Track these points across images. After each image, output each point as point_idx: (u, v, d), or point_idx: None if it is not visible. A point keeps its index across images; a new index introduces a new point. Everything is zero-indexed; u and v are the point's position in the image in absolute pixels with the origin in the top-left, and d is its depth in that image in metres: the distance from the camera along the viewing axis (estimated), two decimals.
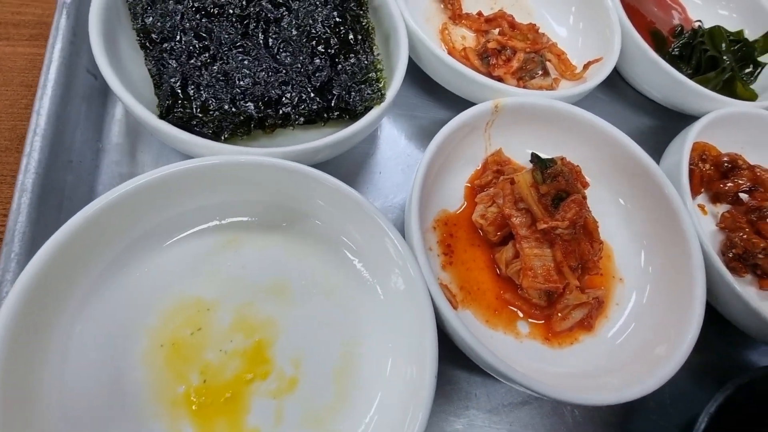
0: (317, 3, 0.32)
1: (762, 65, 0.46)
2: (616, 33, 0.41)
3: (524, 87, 0.40)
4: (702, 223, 0.40)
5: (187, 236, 0.28)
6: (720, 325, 0.35)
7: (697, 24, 0.48)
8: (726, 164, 0.40)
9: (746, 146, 0.43)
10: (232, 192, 0.28)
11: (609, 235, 0.37)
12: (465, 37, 0.43)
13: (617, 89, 0.46)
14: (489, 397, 0.31)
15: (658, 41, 0.48)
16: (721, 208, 0.41)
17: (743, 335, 0.35)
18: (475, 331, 0.30)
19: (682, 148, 0.37)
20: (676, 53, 0.47)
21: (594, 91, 0.45)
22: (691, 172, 0.39)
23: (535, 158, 0.32)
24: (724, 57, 0.43)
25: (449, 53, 0.41)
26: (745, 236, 0.38)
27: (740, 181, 0.39)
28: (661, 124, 0.46)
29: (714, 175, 0.41)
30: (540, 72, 0.40)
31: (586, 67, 0.41)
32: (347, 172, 0.36)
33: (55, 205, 0.27)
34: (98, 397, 0.24)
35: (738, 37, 0.47)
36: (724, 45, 0.45)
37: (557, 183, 0.31)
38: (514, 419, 0.31)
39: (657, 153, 0.40)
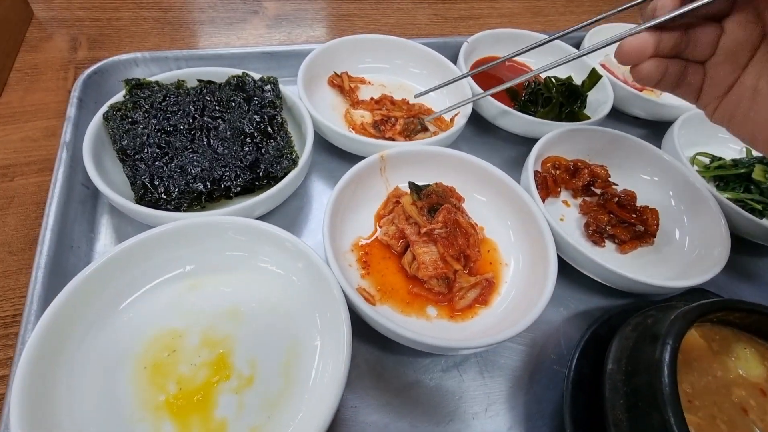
0: (243, 111, 0.46)
1: (584, 95, 0.61)
2: (467, 95, 0.56)
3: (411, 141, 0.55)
4: (567, 213, 0.52)
5: (160, 283, 0.37)
6: (593, 285, 0.45)
7: (534, 79, 0.65)
8: (572, 167, 0.53)
9: (591, 153, 0.56)
10: (190, 245, 0.38)
11: (492, 233, 0.48)
12: (363, 116, 0.57)
13: (491, 133, 0.61)
14: (411, 368, 0.39)
15: (511, 95, 0.64)
16: (580, 200, 0.53)
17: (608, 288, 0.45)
18: (393, 320, 0.39)
19: (528, 162, 0.49)
20: (526, 99, 0.63)
21: (470, 134, 0.59)
22: (544, 179, 0.52)
23: (411, 185, 0.44)
24: (554, 96, 0.59)
25: (351, 129, 0.55)
26: (594, 215, 0.49)
27: (583, 178, 0.52)
28: (525, 150, 0.59)
29: (566, 177, 0.53)
30: (420, 128, 0.54)
31: (451, 120, 0.56)
32: (285, 223, 0.47)
33: (62, 277, 0.36)
34: (96, 410, 0.31)
35: (567, 81, 0.63)
36: (554, 89, 0.61)
37: (431, 199, 0.43)
38: (437, 379, 0.38)
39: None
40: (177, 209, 0.40)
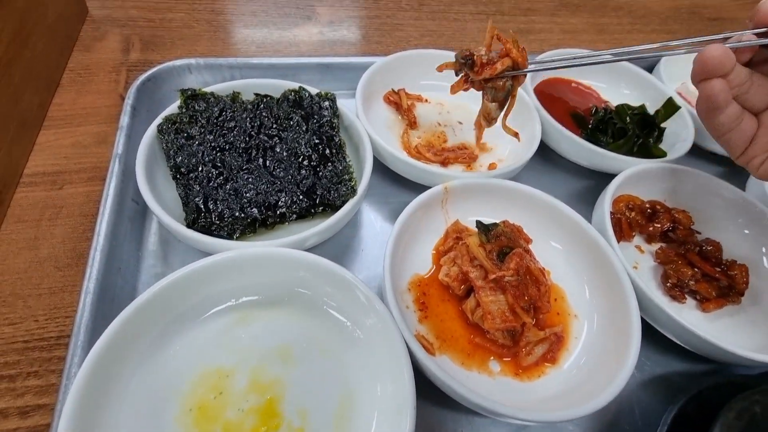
0: (301, 131, 0.44)
1: (662, 129, 0.56)
2: (536, 122, 0.52)
3: (470, 169, 0.51)
4: (641, 261, 0.47)
5: (209, 317, 0.35)
6: (672, 346, 0.40)
7: (605, 104, 0.60)
8: (648, 210, 0.49)
9: (666, 194, 0.51)
10: (242, 277, 0.36)
11: (560, 279, 0.44)
12: (420, 137, 0.54)
13: (553, 161, 0.56)
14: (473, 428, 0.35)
15: (578, 120, 0.59)
16: (656, 247, 0.48)
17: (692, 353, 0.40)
18: (453, 374, 0.36)
19: (603, 202, 0.45)
20: (595, 127, 0.58)
21: (534, 164, 0.55)
22: (618, 220, 0.47)
23: (478, 224, 0.40)
24: (629, 127, 0.54)
25: (407, 152, 0.52)
26: (675, 267, 0.44)
27: (662, 223, 0.47)
28: (593, 184, 0.55)
29: (641, 220, 0.48)
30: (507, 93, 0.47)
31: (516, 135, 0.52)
32: (336, 252, 0.44)
33: (108, 301, 0.35)
34: None
35: (641, 111, 0.58)
36: (628, 118, 0.56)
37: (500, 241, 0.39)
38: None
39: (592, 207, 0.49)
40: (230, 235, 0.37)
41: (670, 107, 0.59)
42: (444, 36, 0.73)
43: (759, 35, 0.32)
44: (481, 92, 0.44)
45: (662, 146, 0.57)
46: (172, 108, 0.44)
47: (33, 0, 0.48)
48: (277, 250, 0.35)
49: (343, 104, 0.49)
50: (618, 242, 0.46)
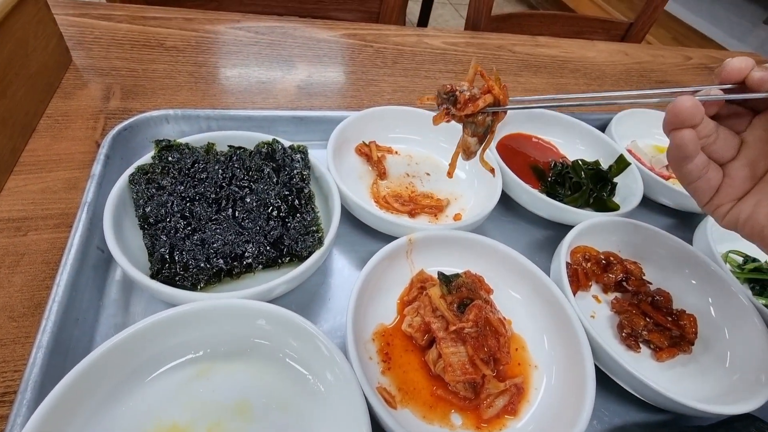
0: (271, 183, 0.45)
1: (615, 184, 0.61)
2: (498, 176, 0.55)
3: (437, 219, 0.53)
4: (598, 310, 0.49)
5: (167, 370, 0.34)
6: (630, 396, 0.42)
7: (562, 159, 0.65)
8: (603, 261, 0.51)
9: (620, 245, 0.55)
10: (203, 329, 0.36)
11: (521, 329, 0.45)
12: (389, 187, 0.56)
13: (515, 211, 0.59)
14: None
15: (538, 173, 0.63)
16: (612, 296, 0.51)
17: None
18: (414, 428, 0.36)
19: (560, 254, 0.47)
20: (553, 180, 0.62)
21: (498, 215, 0.58)
22: (575, 271, 0.50)
23: (440, 275, 0.42)
24: (584, 181, 0.58)
25: (375, 202, 0.54)
26: (629, 317, 0.46)
27: (615, 274, 0.50)
28: (552, 234, 0.58)
29: (597, 270, 0.51)
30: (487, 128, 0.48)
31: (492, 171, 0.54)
32: (303, 301, 0.45)
33: (62, 355, 0.34)
34: None
35: (595, 166, 0.63)
36: (583, 173, 0.60)
37: (461, 292, 0.41)
38: None
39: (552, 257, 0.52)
40: (194, 286, 0.38)
41: (621, 163, 0.63)
42: (415, 92, 0.78)
43: (725, 91, 0.33)
44: (461, 125, 0.44)
45: (615, 199, 0.61)
46: (146, 158, 0.45)
47: (16, 51, 0.50)
48: (239, 302, 0.35)
49: (315, 155, 0.52)
50: (575, 292, 0.48)
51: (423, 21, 2.45)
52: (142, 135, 0.53)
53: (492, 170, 0.48)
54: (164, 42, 0.74)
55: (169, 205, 0.41)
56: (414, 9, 2.89)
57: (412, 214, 0.53)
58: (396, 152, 0.61)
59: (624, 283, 0.50)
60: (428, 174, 0.60)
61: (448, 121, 0.45)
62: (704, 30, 3.08)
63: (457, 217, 0.54)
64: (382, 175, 0.57)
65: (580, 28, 1.26)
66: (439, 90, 0.44)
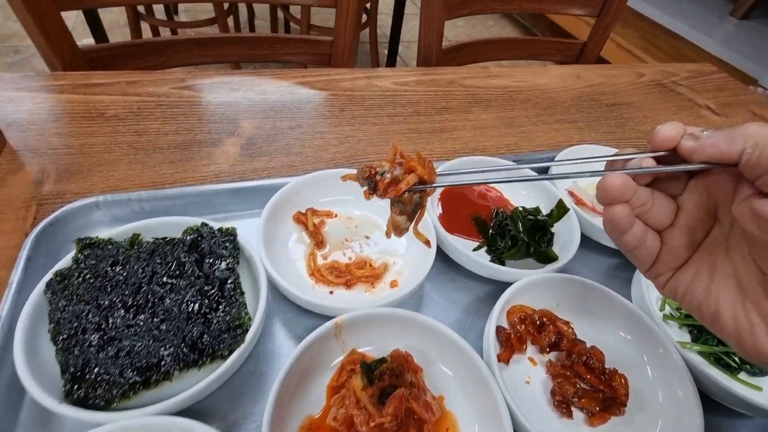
0: (194, 277, 0.45)
1: (552, 234, 0.61)
2: (432, 237, 0.55)
3: (373, 288, 0.53)
4: (534, 374, 0.49)
5: None
6: None
7: (504, 207, 0.65)
8: (537, 321, 0.52)
9: (559, 300, 0.55)
10: None
11: (454, 405, 0.45)
12: (326, 257, 0.56)
13: (456, 268, 0.59)
14: None
15: (479, 225, 0.64)
16: (548, 357, 0.51)
17: None
18: None
19: (491, 319, 0.48)
20: (494, 232, 0.62)
21: (437, 271, 0.58)
22: (508, 335, 0.50)
23: (361, 365, 0.42)
24: (520, 236, 0.59)
25: (311, 274, 0.54)
26: (560, 383, 0.47)
27: (549, 335, 0.50)
28: (495, 288, 0.58)
29: (533, 330, 0.51)
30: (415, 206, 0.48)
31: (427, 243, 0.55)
32: (234, 393, 0.44)
33: None
34: None
35: (535, 213, 0.63)
36: (520, 224, 0.60)
37: (382, 381, 0.41)
38: None
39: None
40: (108, 403, 0.37)
41: (561, 208, 0.64)
42: (362, 141, 0.79)
43: (657, 159, 0.32)
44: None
45: (555, 247, 0.61)
46: (67, 260, 0.45)
47: None
48: (154, 420, 0.35)
49: (252, 227, 0.52)
50: (510, 357, 0.49)
51: (395, 33, 2.47)
52: (71, 227, 0.53)
53: (427, 242, 0.47)
54: (105, 111, 0.74)
55: (83, 314, 0.41)
56: (387, 21, 2.92)
57: (348, 285, 0.53)
58: (335, 215, 0.62)
59: (558, 344, 0.50)
60: (367, 237, 0.60)
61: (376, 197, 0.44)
62: (671, 26, 3.13)
63: (393, 284, 0.54)
64: (319, 244, 0.57)
65: (537, 51, 1.27)
66: (358, 173, 0.42)
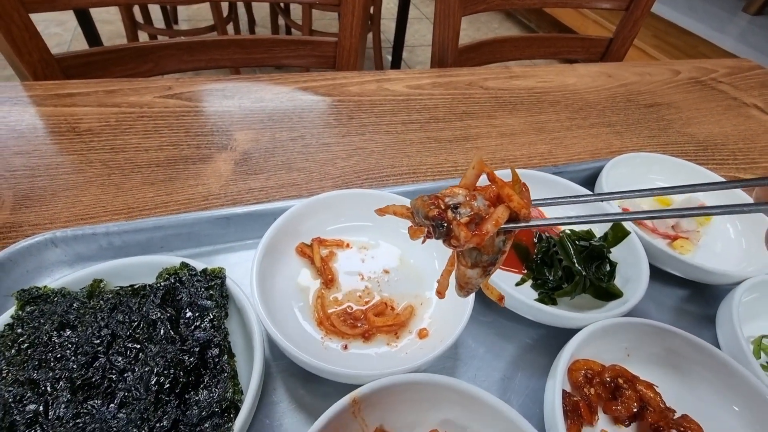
0: (167, 340, 0.34)
1: (614, 264, 0.50)
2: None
3: (397, 339, 0.42)
4: None
5: None
6: None
7: (547, 231, 0.54)
8: (610, 382, 0.41)
9: (631, 350, 0.44)
10: None
11: None
12: (338, 298, 0.46)
13: (496, 309, 0.48)
14: None
15: (521, 252, 0.53)
16: (626, 430, 0.40)
17: None
18: None
19: (555, 383, 0.37)
20: (540, 262, 0.51)
21: (474, 313, 0.47)
22: (576, 404, 0.39)
23: None
24: (575, 269, 0.48)
25: (319, 324, 0.43)
26: None
27: (628, 403, 0.39)
28: (544, 333, 0.47)
29: (604, 394, 0.40)
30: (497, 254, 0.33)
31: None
32: None
33: None
34: None
35: (588, 237, 0.52)
36: (572, 251, 0.49)
37: None
38: None
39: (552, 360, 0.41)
40: None
41: (618, 231, 0.53)
42: (374, 153, 0.68)
43: None
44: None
45: (616, 281, 0.50)
46: (5, 317, 0.35)
47: None
48: None
49: (240, 273, 0.41)
50: (580, 430, 0.37)
51: (399, 39, 2.38)
52: (23, 269, 0.43)
53: (501, 299, 0.35)
54: (77, 125, 0.64)
55: (15, 402, 0.30)
56: (390, 26, 2.83)
57: (366, 337, 0.43)
58: (347, 245, 0.51)
59: (640, 414, 0.39)
60: (387, 272, 0.49)
61: (430, 238, 0.30)
62: (684, 24, 3.03)
63: (422, 334, 0.43)
64: (328, 283, 0.46)
65: (557, 49, 1.17)
66: (416, 206, 0.28)
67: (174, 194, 0.56)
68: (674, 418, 0.39)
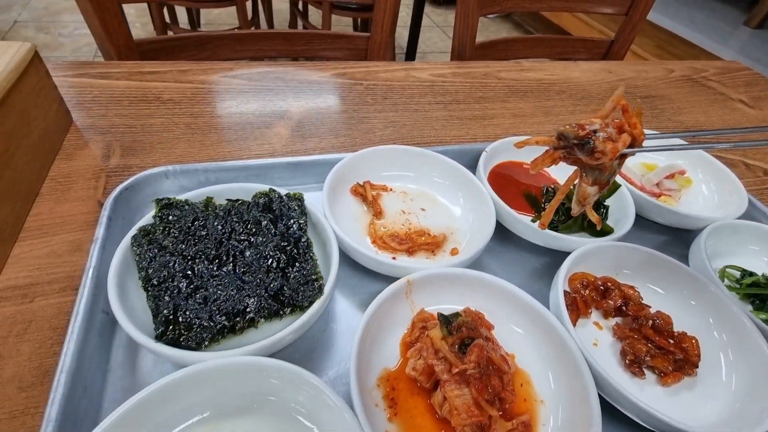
0: (270, 234, 0.46)
1: (607, 207, 0.62)
2: (491, 209, 0.56)
3: (434, 255, 0.54)
4: (601, 337, 0.49)
5: None
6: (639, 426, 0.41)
7: (554, 184, 0.66)
8: (601, 287, 0.52)
9: (616, 269, 0.55)
10: (211, 389, 0.36)
11: (525, 364, 0.45)
12: (385, 227, 0.57)
13: (510, 240, 0.60)
14: None
15: (531, 201, 0.64)
16: (613, 321, 0.51)
17: None
18: None
19: (557, 284, 0.48)
20: (546, 207, 0.63)
21: (494, 245, 0.58)
22: (574, 299, 0.50)
23: (440, 317, 0.42)
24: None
25: (373, 242, 0.55)
26: (631, 343, 0.47)
27: (614, 300, 0.50)
28: (549, 260, 0.58)
29: (596, 296, 0.52)
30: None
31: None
32: (306, 349, 0.45)
33: (71, 427, 0.34)
34: None
35: None
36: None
37: (461, 333, 0.41)
38: None
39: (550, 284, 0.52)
40: (199, 345, 0.38)
41: (612, 186, 0.64)
42: (406, 126, 0.80)
43: None
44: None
45: (608, 222, 0.61)
46: (147, 218, 0.47)
47: (19, 122, 0.52)
48: (247, 359, 0.36)
49: (311, 199, 0.53)
50: (576, 320, 0.49)
51: (412, 46, 2.52)
52: (143, 193, 0.55)
53: (599, 221, 0.45)
54: (161, 96, 0.76)
55: (171, 265, 0.42)
56: (402, 34, 2.97)
57: (410, 252, 0.54)
58: (390, 189, 0.63)
59: (623, 308, 0.50)
60: (423, 209, 0.61)
61: (556, 164, 0.40)
62: (686, 35, 3.14)
63: (454, 252, 0.55)
64: (378, 214, 0.58)
65: (562, 49, 1.30)
66: (563, 132, 0.37)
67: (246, 150, 0.68)
68: (651, 312, 0.50)
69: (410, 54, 2.50)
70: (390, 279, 0.50)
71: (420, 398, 0.41)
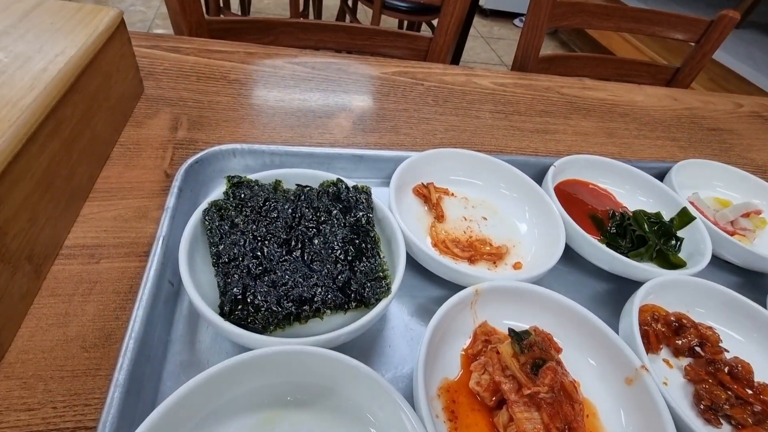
0: (339, 225, 0.45)
1: (680, 239, 0.58)
2: (560, 226, 0.54)
3: (496, 267, 0.52)
4: (671, 376, 0.46)
5: (236, 418, 0.34)
6: None
7: (621, 209, 0.63)
8: (674, 323, 0.49)
9: (688, 306, 0.52)
10: (273, 376, 0.35)
11: (590, 394, 0.43)
12: (447, 232, 0.56)
13: (574, 261, 0.57)
14: None
15: (596, 222, 0.62)
16: (684, 361, 0.48)
17: None
18: None
19: (631, 312, 0.45)
20: (614, 232, 0.60)
21: (558, 266, 0.56)
22: (646, 332, 0.47)
23: (511, 332, 0.40)
24: (649, 236, 0.56)
25: (434, 245, 0.53)
26: (707, 387, 0.43)
27: (689, 338, 0.47)
28: (613, 287, 0.55)
29: (667, 332, 0.48)
30: None
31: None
32: (363, 346, 0.44)
33: (135, 394, 0.34)
34: None
35: (657, 218, 0.61)
36: (646, 225, 0.58)
37: (533, 352, 0.39)
38: None
39: (615, 314, 0.49)
40: (264, 329, 0.37)
41: (685, 217, 0.61)
42: (466, 131, 0.79)
43: None
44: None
45: (681, 255, 0.58)
46: (217, 193, 0.46)
47: (102, 84, 0.53)
48: (313, 350, 0.35)
49: (375, 195, 0.52)
50: (646, 354, 0.46)
51: (457, 54, 2.50)
52: (211, 168, 0.55)
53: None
54: (228, 75, 0.77)
55: (242, 243, 0.41)
56: None
57: (471, 261, 0.52)
58: (452, 194, 0.61)
59: (698, 348, 0.47)
60: (485, 218, 0.59)
61: None
62: (742, 72, 3.03)
63: (517, 266, 0.53)
64: (439, 217, 0.57)
65: (625, 72, 1.25)
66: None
67: (308, 137, 0.68)
68: (727, 358, 0.47)
69: (455, 62, 2.48)
70: (449, 285, 0.48)
71: (480, 415, 0.39)
